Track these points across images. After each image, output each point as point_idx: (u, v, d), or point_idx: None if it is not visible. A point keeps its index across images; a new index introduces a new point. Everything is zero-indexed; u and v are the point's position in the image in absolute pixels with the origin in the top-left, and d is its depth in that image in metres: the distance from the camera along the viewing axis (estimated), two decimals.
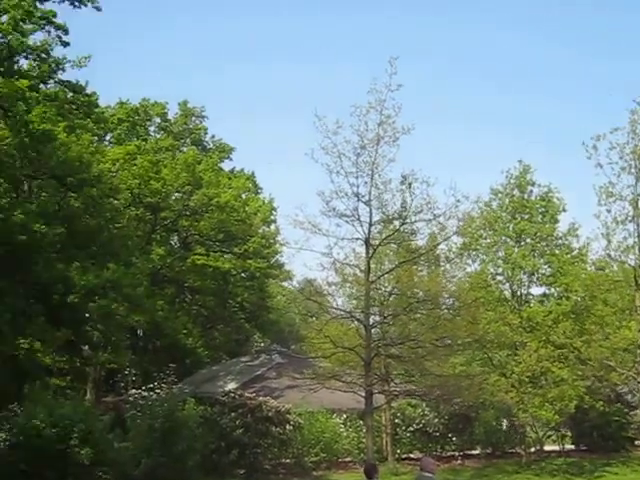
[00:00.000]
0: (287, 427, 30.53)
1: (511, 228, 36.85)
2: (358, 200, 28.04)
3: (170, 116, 59.08)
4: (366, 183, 27.99)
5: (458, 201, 27.87)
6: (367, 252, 28.61)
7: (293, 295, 43.85)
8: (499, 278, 37.37)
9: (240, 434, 28.96)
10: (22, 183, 37.81)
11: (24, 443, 26.64)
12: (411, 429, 33.29)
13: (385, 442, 32.29)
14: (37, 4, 33.62)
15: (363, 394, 27.87)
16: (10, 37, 32.66)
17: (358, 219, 28.12)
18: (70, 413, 27.40)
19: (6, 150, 35.55)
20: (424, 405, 33.56)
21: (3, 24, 32.72)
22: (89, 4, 34.68)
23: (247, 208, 50.20)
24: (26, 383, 39.54)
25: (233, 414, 29.60)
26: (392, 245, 31.54)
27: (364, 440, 30.02)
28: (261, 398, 31.73)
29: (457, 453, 34.12)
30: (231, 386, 36.13)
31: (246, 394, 31.95)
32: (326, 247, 28.60)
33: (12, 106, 32.52)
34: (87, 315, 36.35)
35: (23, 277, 32.83)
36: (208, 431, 28.67)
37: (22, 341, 33.97)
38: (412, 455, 32.98)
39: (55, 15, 34.02)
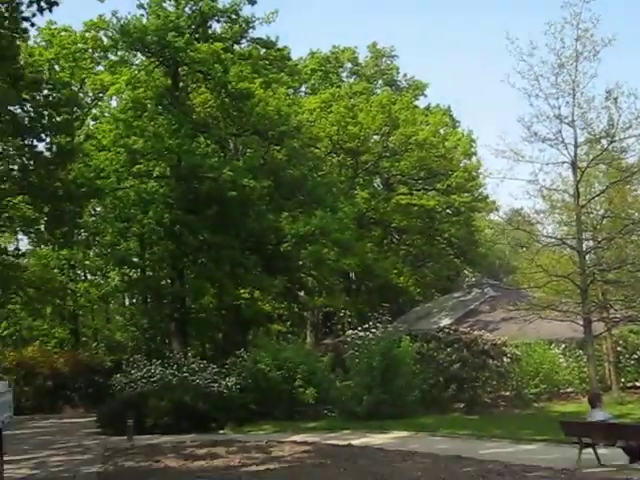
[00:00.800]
0: (504, 360, 30.13)
1: None
2: (561, 122, 26.74)
3: (361, 60, 59.26)
4: (568, 103, 26.60)
5: None
6: (575, 175, 27.34)
7: (501, 227, 42.91)
8: None
9: (457, 369, 28.97)
10: (227, 142, 39.66)
11: (253, 386, 28.46)
12: (635, 357, 31.73)
13: (608, 371, 31.07)
14: None
15: (581, 323, 26.96)
16: (201, 3, 34.15)
17: (562, 142, 26.86)
18: (293, 356, 28.84)
19: (210, 112, 37.41)
20: None
21: None
22: None
23: (446, 143, 49.60)
24: (250, 330, 42.00)
25: (449, 349, 29.63)
26: (601, 166, 29.88)
27: (585, 370, 29.14)
28: (476, 332, 31.54)
29: None
30: (445, 322, 36.19)
31: (461, 329, 31.88)
32: (531, 174, 27.70)
33: (210, 69, 34.10)
34: (300, 262, 37.78)
35: (237, 231, 34.60)
36: (425, 367, 28.96)
37: (242, 291, 35.96)
38: (638, 384, 31.53)
39: None
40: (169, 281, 38.41)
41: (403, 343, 29.06)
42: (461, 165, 51.08)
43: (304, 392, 27.55)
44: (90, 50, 41.62)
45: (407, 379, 27.45)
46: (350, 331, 32.00)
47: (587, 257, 28.06)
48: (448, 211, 51.88)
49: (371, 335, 30.13)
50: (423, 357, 29.37)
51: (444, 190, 49.31)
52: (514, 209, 34.57)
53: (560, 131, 26.74)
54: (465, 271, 60.59)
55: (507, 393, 30.49)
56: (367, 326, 31.02)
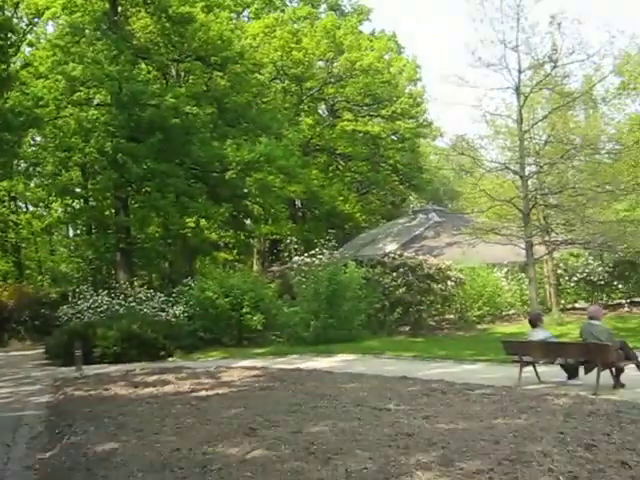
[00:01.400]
0: (449, 283, 30.64)
1: None
2: (505, 47, 26.73)
3: None
4: (512, 28, 26.47)
5: (613, 37, 26.08)
6: (518, 101, 27.51)
7: (446, 152, 43.10)
8: None
9: (402, 293, 29.40)
10: (169, 68, 38.83)
11: (201, 314, 28.60)
12: (575, 279, 32.47)
13: (549, 293, 31.85)
14: None
15: (523, 246, 27.54)
16: None
17: (506, 67, 26.89)
18: (239, 283, 28.96)
19: (150, 38, 36.50)
20: (587, 254, 32.55)
21: None
22: None
23: (391, 69, 49.42)
24: (196, 259, 41.95)
25: (394, 274, 30.03)
26: (544, 91, 30.03)
27: (527, 292, 29.86)
28: (421, 257, 31.99)
29: (624, 300, 33.15)
30: (391, 247, 36.61)
31: (406, 254, 32.27)
32: (475, 99, 27.74)
33: None
34: (245, 190, 37.64)
35: (181, 159, 34.21)
36: (371, 292, 29.32)
37: (188, 220, 35.77)
38: (577, 305, 32.45)
39: None
40: (113, 211, 37.98)
41: (349, 269, 29.32)
42: (406, 91, 51.05)
43: (252, 319, 27.78)
44: None
45: (353, 304, 27.82)
46: (297, 257, 32.13)
47: (529, 182, 28.49)
48: (393, 137, 52.04)
49: (317, 261, 30.39)
50: (369, 282, 29.68)
51: (389, 116, 49.31)
52: (458, 135, 34.70)
53: (504, 56, 26.78)
54: (410, 197, 61.16)
55: (451, 316, 31.22)
56: (313, 252, 31.26)
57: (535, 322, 15.93)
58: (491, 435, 9.31)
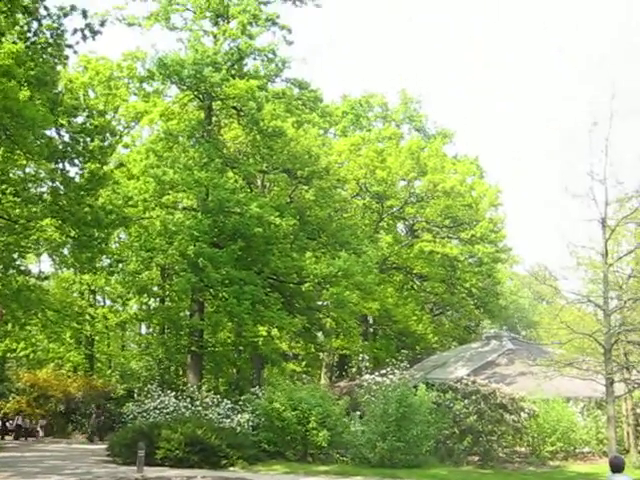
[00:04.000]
0: (522, 415, 29.77)
1: None
2: (592, 179, 26.63)
3: (390, 105, 59.71)
4: (600, 160, 26.49)
5: None
6: (604, 233, 27.09)
7: (526, 280, 42.41)
8: None
9: (473, 421, 28.61)
10: (255, 178, 39.83)
11: (266, 425, 28.27)
12: None
13: (626, 433, 30.41)
14: (262, 7, 35.52)
15: (601, 382, 26.55)
16: (239, 41, 34.76)
17: (593, 199, 26.69)
18: (308, 397, 28.57)
19: (240, 148, 37.73)
20: None
21: (232, 29, 34.93)
22: (310, 2, 35.94)
23: (473, 193, 49.66)
24: (265, 368, 41.80)
25: (466, 401, 29.34)
26: (629, 225, 29.67)
27: (603, 430, 28.64)
28: (494, 385, 31.19)
29: None
30: (462, 372, 35.89)
31: (479, 380, 31.54)
32: (558, 229, 27.46)
33: (244, 106, 34.45)
34: (320, 303, 37.68)
35: (260, 268, 34.60)
36: (441, 417, 28.63)
37: (261, 328, 35.80)
38: None
39: (279, 16, 35.75)
40: (188, 313, 38.40)
41: (419, 391, 28.78)
42: (487, 215, 51.07)
43: (318, 435, 27.24)
44: (125, 80, 42.28)
45: (422, 428, 27.10)
46: (367, 375, 31.68)
47: (612, 317, 27.72)
48: (470, 260, 51.78)
49: (388, 381, 29.90)
50: (439, 407, 29.03)
51: (468, 239, 49.25)
52: (539, 263, 34.26)
53: (591, 188, 26.58)
54: (484, 322, 60.23)
55: (522, 449, 30.07)
56: (384, 372, 30.81)
57: (619, 467, 15.09)
58: None
